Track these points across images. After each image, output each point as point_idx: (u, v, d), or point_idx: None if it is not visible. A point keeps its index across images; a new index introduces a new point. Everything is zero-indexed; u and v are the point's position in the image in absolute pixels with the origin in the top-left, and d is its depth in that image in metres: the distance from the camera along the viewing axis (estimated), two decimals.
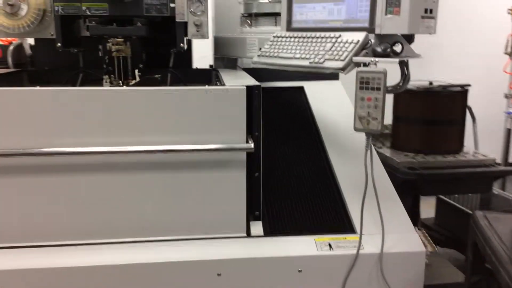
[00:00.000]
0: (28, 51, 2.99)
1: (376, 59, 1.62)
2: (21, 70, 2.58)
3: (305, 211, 2.02)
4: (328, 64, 1.72)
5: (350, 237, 1.89)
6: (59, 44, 2.21)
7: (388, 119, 2.95)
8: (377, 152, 2.81)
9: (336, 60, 1.70)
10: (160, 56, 2.37)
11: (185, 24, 2.21)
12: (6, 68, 2.74)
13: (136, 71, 2.28)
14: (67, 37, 2.22)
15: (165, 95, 1.76)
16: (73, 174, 1.76)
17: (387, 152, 2.77)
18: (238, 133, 1.79)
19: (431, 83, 2.79)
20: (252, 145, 1.76)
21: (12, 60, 2.87)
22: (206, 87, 1.79)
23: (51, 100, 1.76)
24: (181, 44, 2.24)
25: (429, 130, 2.70)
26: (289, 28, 2.02)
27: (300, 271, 1.81)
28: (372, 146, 1.75)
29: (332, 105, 2.64)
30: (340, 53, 1.71)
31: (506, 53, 4.30)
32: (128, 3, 2.16)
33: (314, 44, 1.83)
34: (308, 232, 1.91)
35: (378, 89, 1.59)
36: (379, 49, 1.64)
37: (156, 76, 2.27)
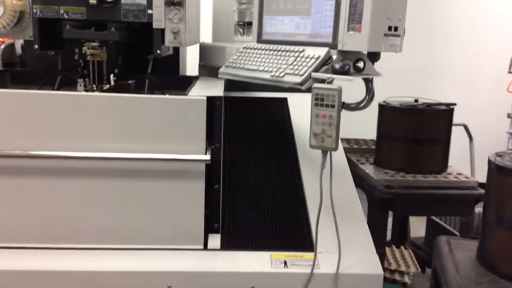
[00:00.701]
0: (18, 51, 3.03)
1: (332, 76, 1.58)
2: (4, 70, 2.60)
3: (267, 225, 1.99)
4: (287, 78, 1.69)
5: (307, 255, 1.84)
6: (36, 46, 2.23)
7: (373, 135, 2.91)
8: (359, 168, 2.76)
9: (296, 75, 1.67)
10: (140, 61, 2.38)
11: (162, 31, 2.20)
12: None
13: (111, 75, 2.28)
14: (45, 39, 2.24)
15: (122, 102, 1.76)
16: (24, 177, 1.76)
17: (369, 168, 2.72)
18: (196, 144, 1.77)
19: (416, 101, 2.73)
20: (208, 157, 1.74)
21: (2, 60, 2.91)
22: (166, 96, 1.77)
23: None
24: (158, 51, 2.24)
25: (412, 148, 2.64)
26: (259, 40, 2.00)
27: (252, 287, 1.78)
28: (331, 163, 1.71)
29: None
30: (301, 68, 1.68)
31: (510, 72, 4.21)
32: (106, 8, 2.17)
33: (278, 57, 1.80)
34: (267, 248, 1.88)
35: (333, 106, 1.55)
36: (337, 66, 1.61)
37: (130, 82, 2.27)
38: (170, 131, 1.76)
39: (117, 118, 1.75)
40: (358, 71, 1.69)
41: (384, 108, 2.71)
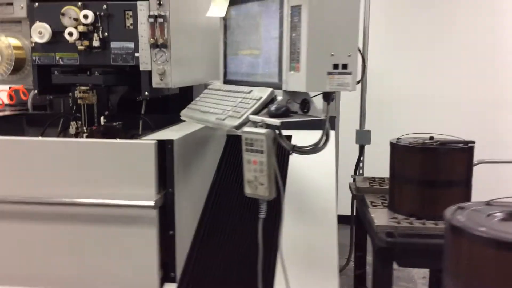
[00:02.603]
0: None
1: (266, 119, 1.47)
2: (20, 114, 2.76)
3: (233, 274, 1.88)
4: (227, 121, 1.61)
5: None
6: (36, 91, 2.36)
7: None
8: (368, 211, 2.55)
9: (235, 117, 1.58)
10: (136, 102, 2.41)
11: (149, 72, 2.22)
12: (23, 110, 2.98)
13: (102, 118, 2.34)
14: (44, 85, 2.36)
15: (72, 147, 1.78)
16: None
17: (377, 212, 2.48)
18: (146, 189, 1.73)
19: (431, 138, 2.47)
20: (152, 203, 1.69)
21: (33, 103, 3.11)
22: (116, 140, 1.77)
23: None
24: (146, 93, 2.26)
25: (424, 191, 2.37)
26: (225, 80, 1.93)
27: None
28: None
29: (311, 159, 2.46)
30: (242, 110, 1.59)
31: None
32: (96, 53, 2.24)
33: (229, 98, 1.73)
34: None
35: (262, 152, 1.44)
36: (272, 109, 1.49)
37: (115, 123, 2.31)
38: (120, 175, 1.75)
39: (67, 163, 1.77)
40: (305, 112, 1.56)
41: (394, 147, 2.48)
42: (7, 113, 2.76)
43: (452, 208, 1.50)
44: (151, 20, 2.17)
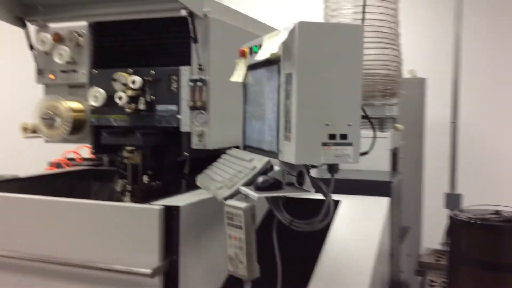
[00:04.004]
0: None
1: (249, 192, 1.39)
2: (88, 169, 2.95)
3: None
4: (221, 191, 1.54)
5: None
6: (93, 151, 2.52)
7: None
8: None
9: (227, 187, 1.51)
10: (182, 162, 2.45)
11: (188, 134, 2.26)
12: (98, 165, 3.19)
13: (145, 176, 2.41)
14: (100, 144, 2.51)
15: (79, 209, 1.83)
16: None
17: None
18: (148, 255, 1.71)
19: (497, 212, 2.15)
20: (149, 271, 1.65)
21: (109, 159, 3.32)
22: (123, 203, 1.79)
23: None
24: (185, 153, 2.29)
25: (485, 274, 2.05)
26: (244, 145, 1.88)
27: None
28: None
29: (356, 228, 2.28)
30: (236, 179, 1.52)
31: None
32: (144, 115, 2.35)
33: (233, 166, 1.67)
34: None
35: (240, 227, 1.34)
36: (258, 181, 1.40)
37: (154, 183, 2.36)
38: (124, 240, 1.75)
39: (71, 223, 1.83)
40: (300, 185, 1.44)
41: (453, 222, 2.20)
42: (77, 168, 2.97)
43: None
44: (191, 84, 2.22)
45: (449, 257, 2.24)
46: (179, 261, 1.73)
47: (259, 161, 1.51)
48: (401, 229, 3.15)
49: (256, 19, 2.73)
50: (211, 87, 2.22)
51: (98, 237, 1.79)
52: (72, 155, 3.49)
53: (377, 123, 3.10)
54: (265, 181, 1.39)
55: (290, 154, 1.40)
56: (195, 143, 2.25)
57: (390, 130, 3.16)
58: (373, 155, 3.04)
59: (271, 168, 1.49)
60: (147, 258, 1.71)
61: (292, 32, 1.37)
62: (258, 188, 1.39)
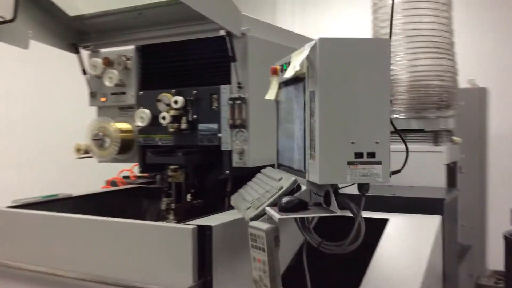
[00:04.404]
0: None
1: (272, 213, 1.35)
2: (139, 187, 3.03)
3: None
4: (248, 212, 1.52)
5: None
6: (140, 169, 2.59)
7: None
8: None
9: (254, 207, 1.48)
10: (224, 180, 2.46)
11: (229, 152, 2.27)
12: (150, 183, 3.27)
13: (188, 195, 2.44)
14: (147, 164, 2.58)
15: (108, 227, 1.88)
16: None
17: None
18: (182, 276, 1.71)
19: None
20: None
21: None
22: (154, 222, 1.80)
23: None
24: (226, 171, 2.30)
25: None
26: (278, 164, 1.85)
27: None
28: None
29: (403, 248, 2.17)
30: (263, 199, 1.49)
31: None
32: (186, 134, 2.39)
33: (263, 185, 1.64)
34: None
35: (263, 250, 1.31)
36: (283, 202, 1.37)
37: (195, 202, 2.38)
38: (157, 260, 1.76)
39: (107, 242, 1.86)
40: (328, 205, 1.40)
41: (508, 242, 2.04)
42: (129, 186, 3.07)
43: None
44: (230, 102, 2.23)
45: (505, 280, 2.07)
46: (212, 282, 1.72)
47: (287, 181, 1.47)
48: (461, 248, 2.97)
49: (299, 34, 2.70)
50: (250, 104, 2.21)
51: (132, 256, 1.82)
52: (127, 173, 3.61)
53: (431, 136, 2.96)
54: (289, 202, 1.36)
55: (315, 173, 1.35)
56: (236, 161, 2.25)
57: (446, 144, 3.00)
58: (428, 170, 2.92)
59: (299, 188, 1.45)
60: (181, 278, 1.71)
61: (313, 49, 1.34)
62: (282, 209, 1.36)
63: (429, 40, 2.92)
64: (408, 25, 2.96)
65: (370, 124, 1.34)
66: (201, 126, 2.36)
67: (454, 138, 3.16)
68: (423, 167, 2.89)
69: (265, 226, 1.32)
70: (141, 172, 2.60)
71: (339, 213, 1.33)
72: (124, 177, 3.60)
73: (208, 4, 2.01)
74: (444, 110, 2.99)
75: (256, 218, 1.44)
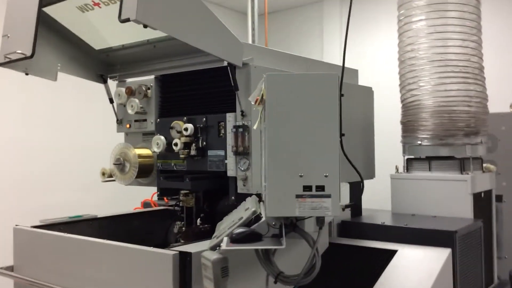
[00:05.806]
0: None
1: (223, 244, 1.39)
2: (164, 209, 3.15)
3: None
4: (212, 242, 1.55)
5: None
6: (158, 193, 2.72)
7: None
8: None
9: (217, 237, 1.52)
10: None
11: (235, 178, 2.33)
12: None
13: (198, 219, 2.52)
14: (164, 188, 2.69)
15: (95, 248, 1.99)
16: None
17: None
18: None
19: None
20: None
21: None
22: (140, 246, 1.87)
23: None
24: (232, 197, 2.36)
25: None
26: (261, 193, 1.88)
27: None
28: None
29: (404, 280, 2.10)
30: (225, 229, 1.53)
31: None
32: (197, 160, 2.49)
33: (236, 214, 1.67)
34: None
35: (211, 279, 1.35)
36: (234, 232, 1.40)
37: (201, 226, 2.44)
38: (142, 283, 1.83)
39: (94, 263, 1.96)
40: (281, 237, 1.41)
41: None
42: (158, 208, 3.20)
43: None
44: (234, 130, 2.30)
45: None
46: None
47: (247, 211, 1.50)
48: (500, 282, 2.84)
49: (307, 58, 2.73)
50: (253, 132, 2.26)
51: (119, 277, 1.91)
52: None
53: (457, 164, 2.83)
54: (239, 233, 1.38)
55: (266, 206, 1.38)
56: (240, 188, 2.30)
57: (475, 172, 2.86)
58: (453, 200, 2.79)
59: (259, 219, 1.47)
60: None
61: (263, 84, 1.38)
62: (233, 240, 1.39)
63: (455, 64, 2.82)
64: (432, 49, 2.87)
65: (318, 157, 1.35)
66: (210, 152, 2.44)
67: (487, 165, 3.00)
68: (448, 196, 2.78)
69: (213, 256, 1.35)
70: (159, 196, 2.72)
71: (284, 246, 1.33)
72: (159, 198, 3.74)
73: (207, 40, 2.09)
74: (472, 137, 2.85)
75: (214, 247, 1.47)
